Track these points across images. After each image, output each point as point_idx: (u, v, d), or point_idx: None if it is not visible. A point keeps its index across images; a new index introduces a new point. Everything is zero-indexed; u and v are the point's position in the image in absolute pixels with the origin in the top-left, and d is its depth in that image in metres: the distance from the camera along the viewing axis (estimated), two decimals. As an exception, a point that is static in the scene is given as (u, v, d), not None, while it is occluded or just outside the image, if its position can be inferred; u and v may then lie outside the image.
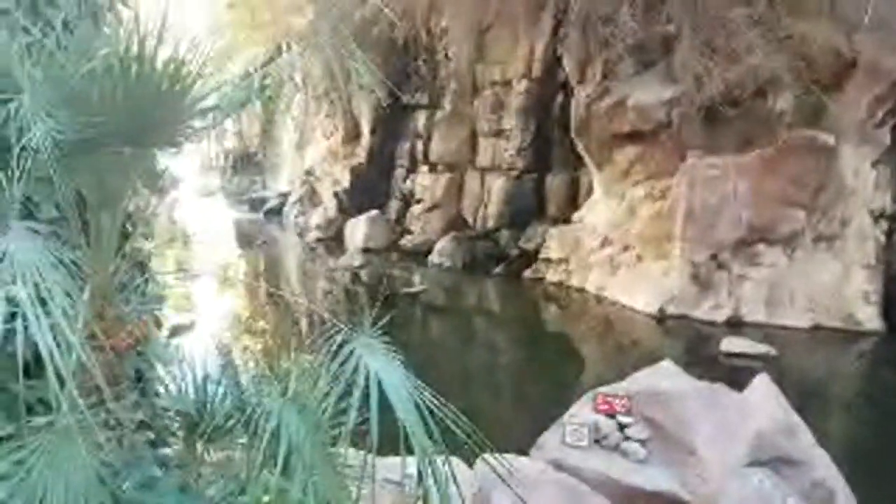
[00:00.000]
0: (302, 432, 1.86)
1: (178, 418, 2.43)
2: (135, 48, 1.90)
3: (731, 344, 9.13)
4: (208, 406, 2.40)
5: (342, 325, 2.02)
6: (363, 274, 14.43)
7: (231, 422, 2.34)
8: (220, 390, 2.49)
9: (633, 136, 11.79)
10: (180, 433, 2.44)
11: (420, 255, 15.36)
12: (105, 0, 3.55)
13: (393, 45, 15.86)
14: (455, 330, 11.60)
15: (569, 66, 13.15)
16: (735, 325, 10.26)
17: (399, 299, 12.01)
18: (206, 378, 2.47)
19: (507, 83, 15.09)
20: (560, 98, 14.04)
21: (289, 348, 2.32)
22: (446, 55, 16.16)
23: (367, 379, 1.82)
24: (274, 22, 16.73)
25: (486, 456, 2.13)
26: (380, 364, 1.88)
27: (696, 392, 4.10)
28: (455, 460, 3.02)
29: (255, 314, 11.16)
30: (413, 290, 12.69)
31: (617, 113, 11.88)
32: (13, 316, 1.40)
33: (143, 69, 1.92)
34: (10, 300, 1.41)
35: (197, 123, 2.36)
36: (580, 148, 12.96)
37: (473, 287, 13.89)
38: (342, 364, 1.90)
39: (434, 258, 15.02)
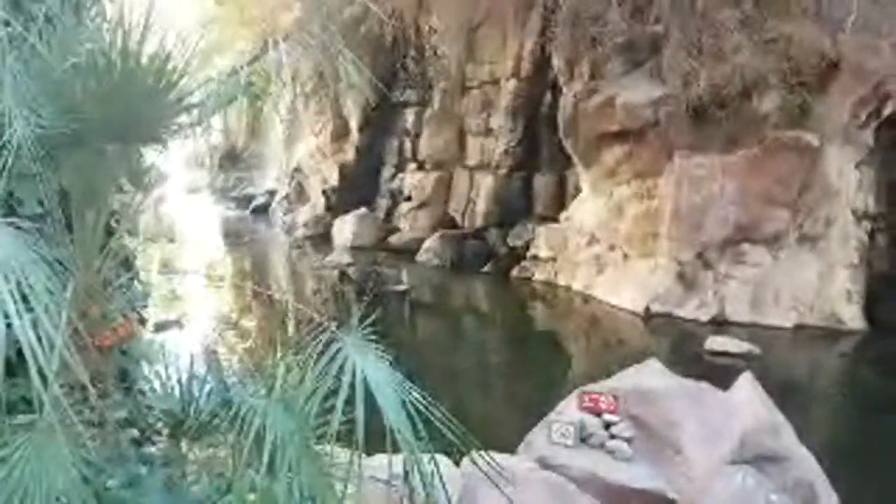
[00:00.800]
0: (288, 430, 1.86)
1: (162, 416, 2.41)
2: (119, 43, 1.87)
3: (716, 343, 9.20)
4: (193, 404, 2.39)
5: (329, 324, 2.02)
6: (351, 272, 14.39)
7: (216, 420, 2.33)
8: (206, 388, 2.47)
9: (621, 136, 11.85)
10: (165, 431, 2.42)
11: (408, 252, 15.36)
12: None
13: (382, 43, 15.83)
14: (443, 328, 11.61)
15: (557, 65, 13.20)
16: (720, 324, 10.35)
17: (387, 297, 12.00)
18: (191, 376, 2.45)
19: (495, 82, 15.14)
20: (549, 97, 14.11)
21: (275, 346, 2.31)
22: (435, 53, 16.16)
23: (353, 377, 1.81)
24: (262, 18, 16.63)
25: (473, 454, 2.13)
26: (367, 363, 1.87)
27: (682, 391, 4.13)
28: (442, 459, 3.02)
29: (241, 312, 11.09)
30: (401, 288, 12.68)
31: (605, 112, 11.93)
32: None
33: (127, 64, 1.90)
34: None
35: (183, 120, 2.34)
36: (568, 147, 13.01)
37: (461, 285, 13.92)
38: (329, 362, 1.90)
39: (422, 256, 15.02)
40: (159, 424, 2.44)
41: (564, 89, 12.94)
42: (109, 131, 2.09)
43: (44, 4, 2.84)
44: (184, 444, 2.34)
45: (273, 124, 22.24)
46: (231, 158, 25.89)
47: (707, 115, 10.74)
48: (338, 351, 1.92)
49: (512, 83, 14.68)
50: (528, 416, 4.77)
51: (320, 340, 1.97)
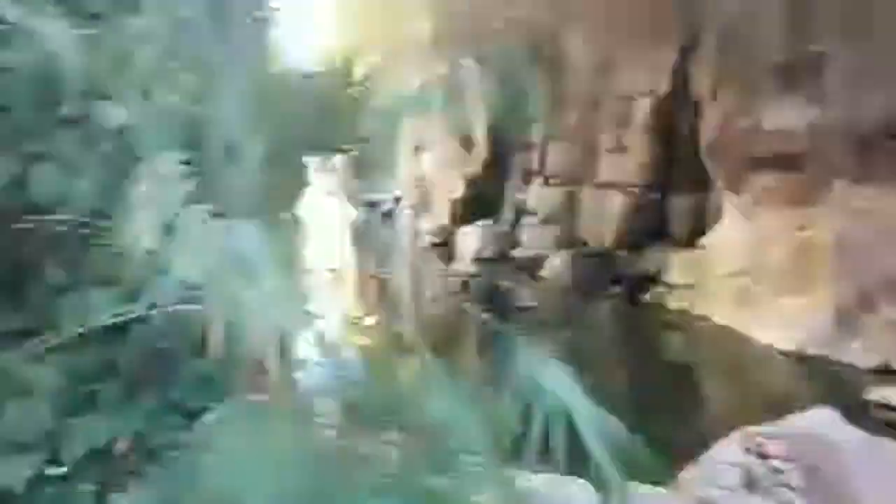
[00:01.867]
0: (482, 443, 1.86)
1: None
2: (337, 64, 2.01)
3: (881, 394, 8.26)
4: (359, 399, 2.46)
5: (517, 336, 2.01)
6: (472, 282, 14.49)
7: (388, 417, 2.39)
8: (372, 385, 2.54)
9: (772, 161, 11.03)
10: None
11: (530, 268, 15.21)
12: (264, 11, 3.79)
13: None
14: (567, 351, 11.31)
15: (701, 83, 12.57)
16: (883, 373, 9.26)
17: (515, 312, 11.90)
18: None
19: (631, 98, 14.67)
20: (689, 116, 13.45)
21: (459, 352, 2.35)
22: (569, 66, 15.95)
23: (549, 400, 1.79)
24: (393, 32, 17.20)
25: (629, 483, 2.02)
26: (561, 386, 1.84)
27: (860, 442, 3.73)
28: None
29: (366, 312, 11.47)
30: (525, 304, 12.57)
31: (755, 135, 11.18)
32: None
33: (335, 83, 2.03)
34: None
35: (364, 132, 2.47)
36: (710, 170, 12.32)
37: (586, 307, 13.48)
38: (519, 382, 1.88)
39: (545, 273, 14.82)
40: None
41: (707, 109, 12.30)
42: (307, 143, 2.24)
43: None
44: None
45: (402, 132, 23.00)
46: (361, 164, 27.11)
47: (874, 143, 9.74)
48: (524, 363, 1.91)
49: (649, 99, 14.17)
50: (669, 451, 4.53)
51: (513, 360, 1.96)
